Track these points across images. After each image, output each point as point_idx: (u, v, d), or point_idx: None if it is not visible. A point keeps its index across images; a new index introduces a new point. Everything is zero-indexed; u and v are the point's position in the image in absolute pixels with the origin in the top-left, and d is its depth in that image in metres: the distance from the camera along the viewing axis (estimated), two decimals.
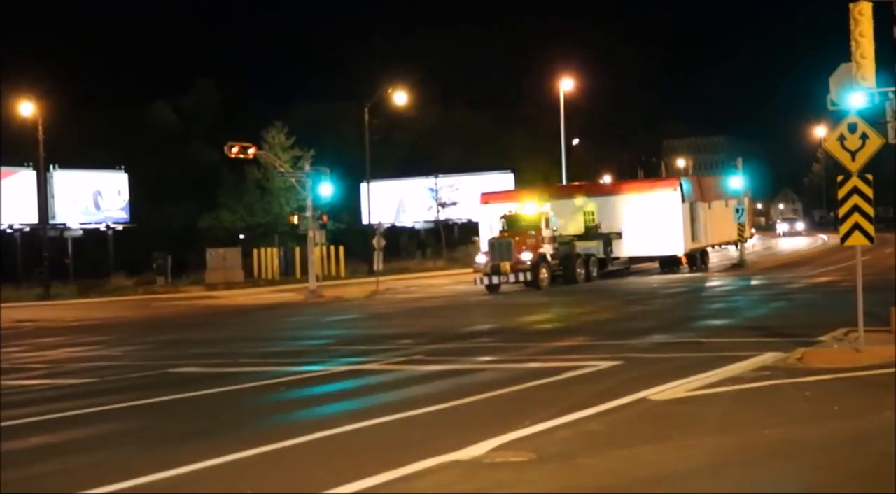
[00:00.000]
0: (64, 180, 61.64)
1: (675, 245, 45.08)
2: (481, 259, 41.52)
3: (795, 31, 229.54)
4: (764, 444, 10.57)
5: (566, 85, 63.45)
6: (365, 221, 66.57)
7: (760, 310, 27.23)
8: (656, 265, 48.23)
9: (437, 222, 74.41)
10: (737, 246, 52.34)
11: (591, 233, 45.12)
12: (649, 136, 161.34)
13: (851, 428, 11.28)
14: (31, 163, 57.50)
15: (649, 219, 44.92)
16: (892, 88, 20.70)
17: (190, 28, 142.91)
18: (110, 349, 25.82)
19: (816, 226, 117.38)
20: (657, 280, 43.09)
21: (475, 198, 52.99)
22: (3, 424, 13.88)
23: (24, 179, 58.88)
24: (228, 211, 73.06)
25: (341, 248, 60.19)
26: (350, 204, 71.27)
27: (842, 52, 20.29)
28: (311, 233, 45.58)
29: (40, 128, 52.55)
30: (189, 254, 66.29)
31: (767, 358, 16.50)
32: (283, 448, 11.34)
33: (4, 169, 57.93)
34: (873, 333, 17.24)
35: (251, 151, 44.79)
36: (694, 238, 46.12)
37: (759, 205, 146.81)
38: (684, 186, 45.87)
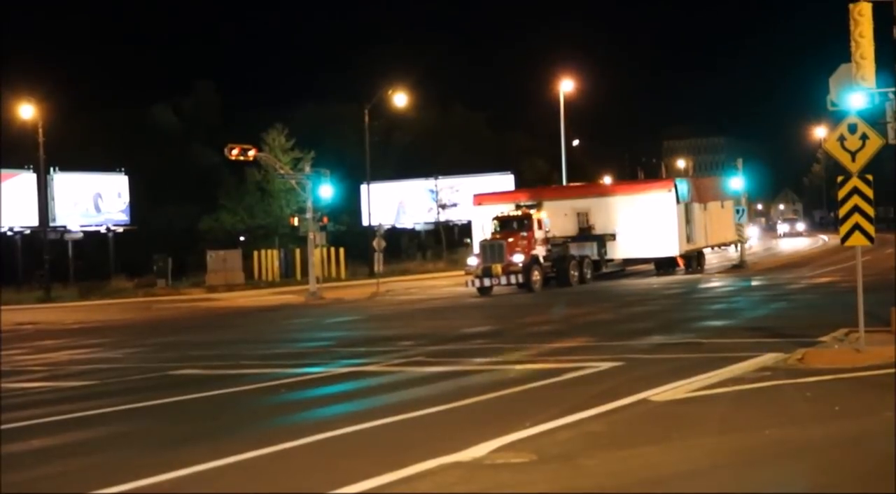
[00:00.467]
0: (64, 182, 61.64)
1: (670, 246, 44.75)
2: (473, 261, 41.17)
3: (795, 31, 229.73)
4: (765, 445, 10.57)
5: (566, 86, 63.41)
6: (365, 223, 66.62)
7: (761, 311, 27.21)
8: (652, 267, 47.95)
9: (437, 223, 74.42)
10: (736, 246, 52.29)
11: (585, 234, 44.79)
12: (650, 137, 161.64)
13: (852, 429, 11.27)
14: (31, 166, 57.50)
15: (644, 221, 44.60)
16: (892, 89, 20.70)
17: (190, 30, 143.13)
18: (111, 351, 25.82)
19: (817, 226, 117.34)
20: (653, 281, 42.86)
21: None
22: (4, 427, 13.88)
23: (24, 182, 58.87)
24: (229, 213, 73.06)
25: (341, 250, 60.23)
26: (350, 205, 71.28)
27: (842, 52, 20.31)
28: (311, 235, 45.60)
29: (40, 130, 52.59)
30: (189, 256, 66.33)
31: (768, 358, 16.49)
32: (284, 449, 11.34)
33: (5, 171, 57.92)
34: (874, 334, 17.23)
35: (251, 153, 44.78)
36: (689, 239, 45.80)
37: (760, 206, 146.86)
38: (679, 187, 45.52)
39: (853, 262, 17.63)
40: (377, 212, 65.06)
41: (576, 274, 42.16)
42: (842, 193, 16.71)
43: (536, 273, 40.13)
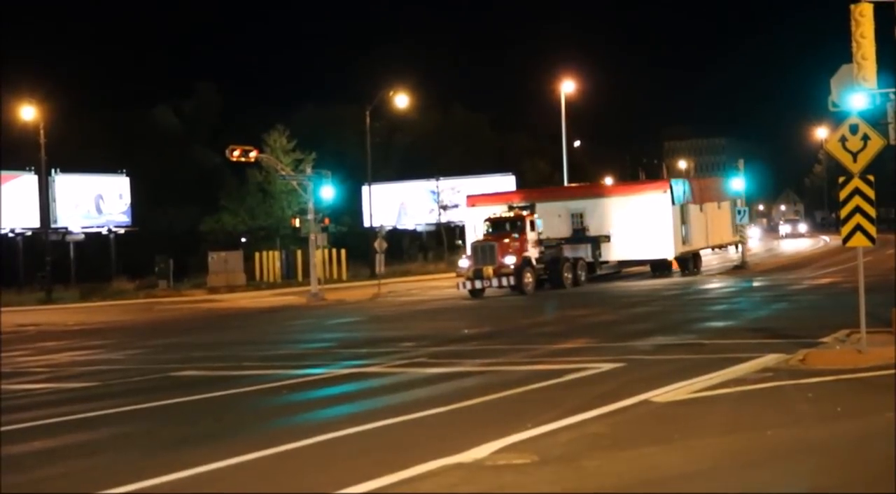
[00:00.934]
0: (65, 184, 61.64)
1: (665, 248, 44.37)
2: (464, 263, 40.49)
3: (796, 32, 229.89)
4: (767, 445, 10.57)
5: (567, 87, 63.42)
6: (366, 224, 66.61)
7: (763, 312, 27.21)
8: (647, 269, 47.56)
9: (438, 225, 74.38)
10: (737, 247, 52.16)
11: (579, 236, 44.31)
12: (651, 138, 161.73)
13: (854, 429, 11.27)
14: (32, 168, 57.51)
15: (639, 222, 44.09)
16: (894, 89, 20.67)
17: (191, 32, 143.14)
18: (112, 352, 25.83)
19: (818, 227, 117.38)
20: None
21: None
22: (6, 428, 13.89)
23: (25, 183, 58.87)
24: (230, 214, 73.06)
25: (343, 251, 60.23)
26: (351, 206, 71.28)
27: (843, 53, 20.29)
28: (312, 236, 45.61)
29: (42, 132, 52.62)
30: (191, 258, 66.36)
31: (770, 359, 16.49)
32: (286, 450, 11.34)
33: (6, 173, 57.93)
34: (875, 334, 17.23)
35: (252, 154, 44.78)
36: (685, 241, 45.32)
37: (761, 207, 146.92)
38: (674, 188, 45.02)
39: (854, 263, 17.62)
40: (378, 213, 65.06)
41: (569, 276, 41.63)
42: (843, 194, 16.71)
43: (528, 275, 39.63)
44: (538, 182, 77.92)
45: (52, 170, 58.88)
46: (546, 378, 15.85)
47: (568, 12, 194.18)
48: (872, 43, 19.63)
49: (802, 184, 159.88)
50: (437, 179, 72.66)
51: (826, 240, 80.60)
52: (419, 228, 77.41)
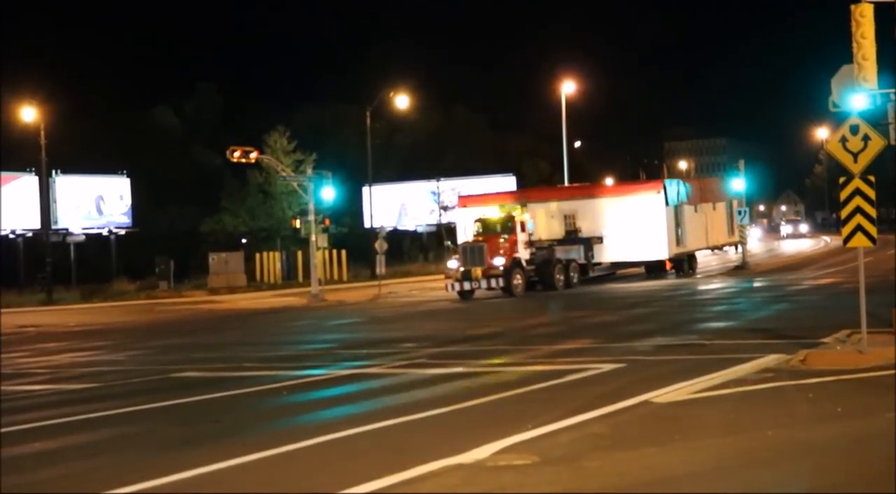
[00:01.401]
0: (66, 185, 61.62)
1: (659, 249, 43.81)
2: (453, 264, 39.71)
3: (797, 32, 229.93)
4: (768, 446, 10.57)
5: (568, 88, 63.38)
6: (367, 225, 66.56)
7: (763, 312, 27.21)
8: (641, 270, 46.98)
9: (439, 225, 74.36)
10: (736, 248, 52.03)
11: (571, 237, 43.75)
12: (651, 139, 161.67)
13: (855, 430, 11.27)
14: (33, 169, 57.48)
15: (632, 223, 43.53)
16: (894, 90, 20.66)
17: (191, 32, 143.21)
18: (113, 354, 25.83)
19: (819, 227, 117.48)
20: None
21: None
22: (6, 429, 13.89)
23: (26, 184, 58.84)
24: (231, 215, 73.06)
25: (343, 252, 60.20)
26: (352, 207, 71.28)
27: (843, 53, 20.28)
28: (313, 237, 45.62)
29: (42, 133, 52.60)
30: (191, 259, 66.33)
31: (770, 359, 16.49)
32: (286, 452, 11.34)
33: (6, 174, 57.90)
34: (876, 335, 17.24)
35: (253, 155, 44.80)
36: (679, 242, 44.89)
37: (762, 207, 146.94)
38: (668, 189, 44.46)
39: (855, 264, 17.62)
40: (379, 213, 65.04)
41: (561, 277, 40.99)
42: (844, 194, 16.71)
43: (518, 277, 39.10)
44: (539, 182, 77.94)
45: (53, 171, 58.86)
46: (546, 378, 15.85)
47: (569, 13, 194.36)
48: (873, 43, 19.62)
49: (803, 185, 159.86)
50: (438, 180, 72.63)
51: (827, 241, 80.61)
52: (420, 229, 77.39)
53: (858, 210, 16.55)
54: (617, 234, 43.73)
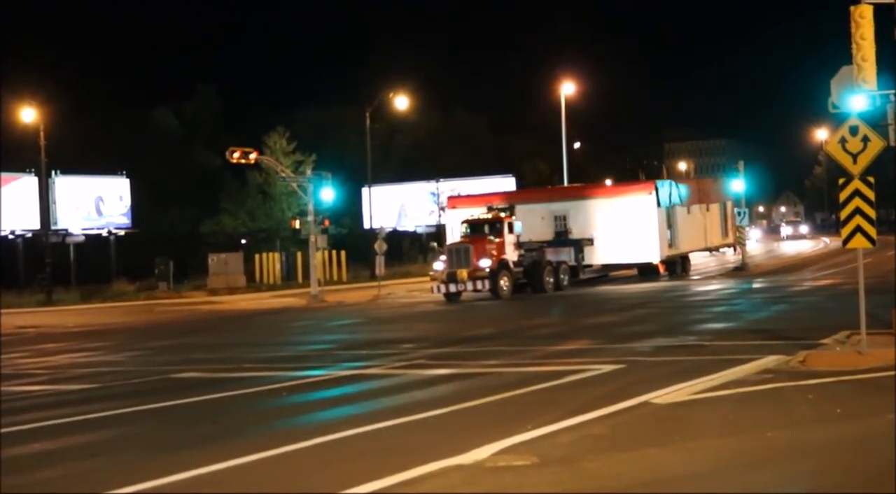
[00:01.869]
0: (66, 186, 61.60)
1: (651, 251, 43.28)
2: (439, 265, 39.19)
3: (796, 33, 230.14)
4: (767, 447, 10.57)
5: (567, 89, 63.38)
6: (366, 226, 66.58)
7: (762, 313, 27.20)
8: (633, 272, 46.38)
9: (438, 226, 74.37)
10: (735, 249, 51.93)
11: (561, 239, 43.21)
12: (651, 140, 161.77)
13: (854, 431, 11.28)
14: (32, 169, 57.47)
15: (623, 225, 42.99)
16: (894, 91, 20.67)
17: (191, 33, 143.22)
18: (112, 354, 25.83)
19: (818, 228, 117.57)
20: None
21: None
22: (5, 430, 13.89)
23: (25, 185, 58.81)
24: (230, 216, 73.05)
25: (343, 253, 60.19)
26: (352, 208, 71.28)
27: (843, 54, 20.29)
28: (312, 238, 45.62)
29: (42, 133, 52.61)
30: (191, 260, 66.31)
31: (770, 360, 16.49)
32: (285, 452, 11.34)
33: (6, 175, 57.85)
34: (875, 336, 17.24)
35: (253, 156, 44.78)
36: (672, 244, 44.44)
37: (761, 208, 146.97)
38: (660, 190, 43.96)
39: (854, 264, 17.62)
40: (378, 214, 65.04)
41: (551, 280, 40.36)
42: (843, 195, 16.71)
43: (505, 279, 38.50)
44: (538, 183, 77.93)
45: (53, 172, 58.84)
46: (546, 379, 15.84)
47: (568, 14, 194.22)
48: (872, 44, 19.63)
49: (802, 186, 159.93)
50: (438, 181, 72.65)
51: (826, 242, 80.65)
52: (419, 230, 77.38)
53: (858, 211, 16.55)
54: (608, 236, 43.17)
